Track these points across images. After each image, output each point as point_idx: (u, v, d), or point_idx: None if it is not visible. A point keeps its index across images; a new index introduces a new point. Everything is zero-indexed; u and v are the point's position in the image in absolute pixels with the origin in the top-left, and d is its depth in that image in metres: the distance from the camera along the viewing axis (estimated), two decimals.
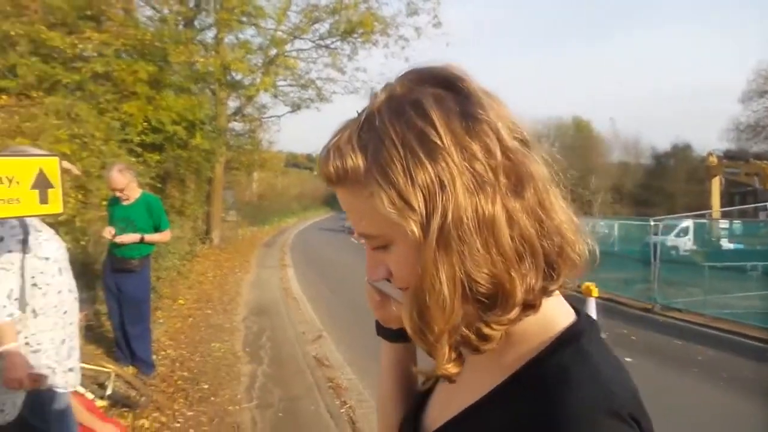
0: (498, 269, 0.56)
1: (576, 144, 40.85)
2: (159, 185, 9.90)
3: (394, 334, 0.85)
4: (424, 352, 0.63)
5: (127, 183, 4.63)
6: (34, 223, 2.42)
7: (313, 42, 16.71)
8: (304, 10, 16.11)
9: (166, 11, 13.37)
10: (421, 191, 0.55)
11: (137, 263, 4.79)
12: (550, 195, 0.60)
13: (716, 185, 22.58)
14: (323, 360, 5.78)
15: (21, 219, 2.28)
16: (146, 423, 3.93)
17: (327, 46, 16.92)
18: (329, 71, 17.47)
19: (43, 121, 6.85)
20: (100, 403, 3.82)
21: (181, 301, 8.10)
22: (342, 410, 4.41)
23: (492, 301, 0.58)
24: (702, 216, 18.56)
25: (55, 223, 2.61)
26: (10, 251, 2.23)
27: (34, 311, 2.32)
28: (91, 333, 5.51)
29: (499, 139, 0.57)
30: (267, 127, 22.10)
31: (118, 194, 4.67)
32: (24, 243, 2.29)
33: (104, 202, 6.31)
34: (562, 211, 0.61)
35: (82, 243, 6.25)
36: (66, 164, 2.81)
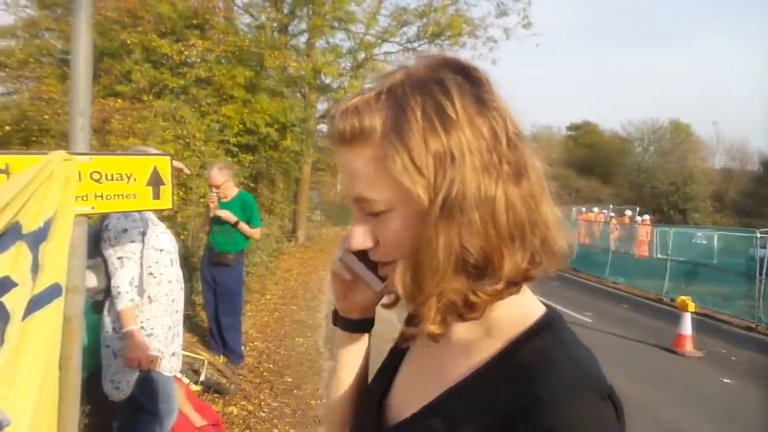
0: (491, 244, 0.60)
1: (674, 148, 38.21)
2: (252, 184, 10.36)
3: (354, 324, 0.84)
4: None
5: (224, 181, 4.88)
6: (151, 217, 2.64)
7: (401, 45, 16.89)
8: (393, 14, 16.38)
9: (263, 18, 14.01)
10: (433, 160, 0.59)
11: (233, 258, 5.06)
12: (543, 188, 0.64)
13: None
14: None
15: (141, 213, 2.49)
16: (235, 410, 4.14)
17: (414, 49, 17.02)
18: None
19: (152, 123, 7.42)
20: (194, 387, 4.07)
21: (268, 296, 8.42)
22: None
23: (481, 272, 0.61)
24: None
25: (159, 217, 2.83)
26: (132, 242, 2.45)
27: (149, 298, 2.53)
28: (188, 322, 5.85)
29: (506, 127, 0.61)
30: None
31: (215, 191, 4.91)
32: (143, 235, 2.51)
33: (202, 199, 6.72)
34: (549, 206, 0.64)
35: (182, 237, 6.62)
36: (177, 163, 3.02)
